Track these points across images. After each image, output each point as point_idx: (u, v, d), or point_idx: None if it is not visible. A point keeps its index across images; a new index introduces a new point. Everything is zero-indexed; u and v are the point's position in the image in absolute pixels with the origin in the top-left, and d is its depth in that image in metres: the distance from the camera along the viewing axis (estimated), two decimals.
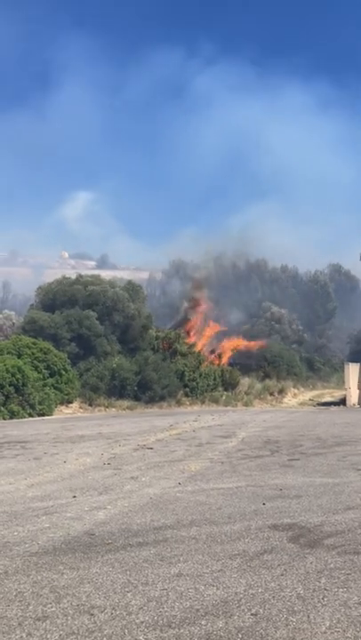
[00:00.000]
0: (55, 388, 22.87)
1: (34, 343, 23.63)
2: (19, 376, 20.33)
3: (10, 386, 19.91)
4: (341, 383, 32.78)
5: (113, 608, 3.51)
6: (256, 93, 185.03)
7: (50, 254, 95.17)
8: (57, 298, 28.23)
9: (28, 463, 9.20)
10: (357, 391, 29.26)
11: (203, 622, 3.31)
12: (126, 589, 3.81)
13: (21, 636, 3.17)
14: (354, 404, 28.73)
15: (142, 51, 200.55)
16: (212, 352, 34.39)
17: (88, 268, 70.04)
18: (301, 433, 13.72)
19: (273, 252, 53.44)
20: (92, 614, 3.43)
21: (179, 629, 3.22)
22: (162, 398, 26.80)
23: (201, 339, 34.78)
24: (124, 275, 48.11)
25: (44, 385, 22.19)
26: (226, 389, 30.86)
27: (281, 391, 34.27)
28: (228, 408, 27.32)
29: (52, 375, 23.08)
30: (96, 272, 38.60)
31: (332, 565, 4.27)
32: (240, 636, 3.15)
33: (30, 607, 3.54)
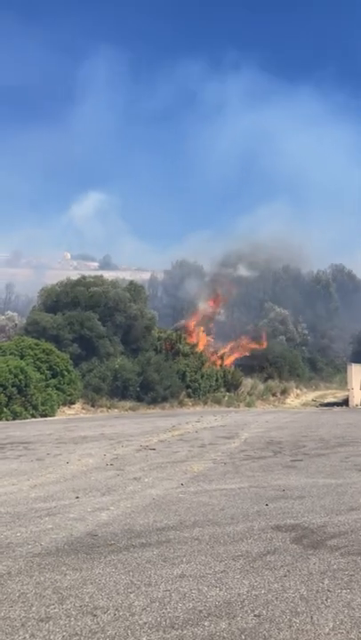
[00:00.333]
0: (58, 389, 22.88)
1: (36, 344, 23.65)
2: (21, 377, 20.35)
3: (12, 387, 19.93)
4: (344, 384, 32.75)
5: (116, 609, 3.51)
6: (269, 101, 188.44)
7: (52, 255, 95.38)
8: (59, 299, 28.26)
9: (30, 464, 9.21)
10: (360, 392, 29.22)
11: (206, 623, 3.30)
12: (129, 590, 3.81)
13: (25, 637, 3.17)
14: (357, 405, 28.69)
15: (162, 61, 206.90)
16: (215, 352, 34.38)
17: (90, 269, 70.07)
18: (304, 434, 13.70)
19: (276, 253, 53.47)
20: (95, 615, 3.43)
21: (182, 630, 3.22)
22: (164, 399, 26.80)
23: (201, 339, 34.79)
24: (126, 275, 48.17)
25: (47, 386, 22.20)
26: (228, 390, 30.84)
27: (284, 392, 34.25)
28: (231, 409, 27.30)
29: (54, 376, 23.10)
30: (99, 273, 38.66)
31: (335, 566, 4.26)
32: (243, 637, 3.15)
33: (33, 608, 3.54)
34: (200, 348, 32.55)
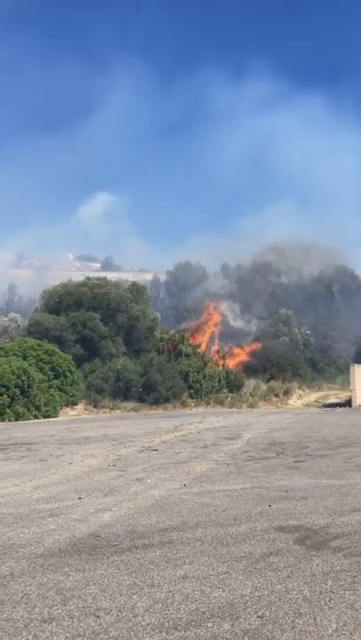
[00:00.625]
0: (60, 390, 22.91)
1: (39, 345, 23.68)
2: (24, 378, 20.38)
3: (15, 387, 19.96)
4: (347, 384, 32.69)
5: (119, 610, 3.51)
6: (279, 106, 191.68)
7: (55, 256, 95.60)
8: (62, 300, 28.29)
9: (33, 465, 9.21)
10: None
11: (209, 625, 3.30)
12: (132, 591, 3.81)
13: (28, 638, 3.17)
14: (359, 406, 28.63)
15: (179, 71, 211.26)
16: (218, 352, 34.36)
17: (93, 270, 70.18)
18: (307, 434, 13.69)
19: (279, 254, 53.49)
20: (97, 616, 3.42)
21: (185, 632, 3.22)
22: (166, 400, 26.80)
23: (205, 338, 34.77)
24: (128, 276, 48.20)
25: (50, 387, 22.23)
26: (231, 391, 30.83)
27: (286, 393, 34.21)
28: (233, 409, 27.28)
29: (57, 377, 23.13)
30: (101, 274, 38.70)
31: (338, 568, 4.25)
32: (246, 638, 3.14)
33: (36, 609, 3.54)
34: (203, 348, 32.54)
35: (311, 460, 9.40)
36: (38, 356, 22.95)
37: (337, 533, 5.12)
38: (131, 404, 25.43)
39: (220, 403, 28.88)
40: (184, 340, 30.71)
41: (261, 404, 30.69)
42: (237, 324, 42.40)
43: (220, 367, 32.34)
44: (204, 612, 3.46)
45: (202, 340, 34.48)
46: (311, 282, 51.97)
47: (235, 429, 15.11)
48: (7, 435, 14.46)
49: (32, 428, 16.31)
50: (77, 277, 31.67)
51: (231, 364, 34.13)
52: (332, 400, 33.73)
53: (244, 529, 5.25)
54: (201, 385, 28.90)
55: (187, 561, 4.40)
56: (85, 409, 24.27)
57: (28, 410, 20.35)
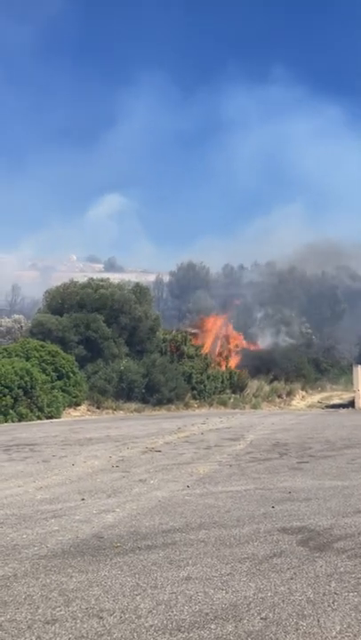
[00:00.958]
0: (63, 391, 22.91)
1: (42, 346, 23.70)
2: (27, 378, 20.40)
3: (18, 388, 19.98)
4: (350, 385, 32.60)
5: (122, 611, 3.50)
6: (291, 113, 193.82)
7: (59, 257, 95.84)
8: (65, 301, 28.32)
9: (36, 466, 9.22)
10: None
11: (212, 626, 3.29)
12: (135, 593, 3.80)
13: (31, 639, 3.17)
14: None
15: (191, 81, 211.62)
16: (220, 354, 34.33)
17: (96, 271, 70.30)
18: (310, 435, 13.66)
19: (282, 254, 53.52)
20: (101, 618, 3.42)
21: (188, 633, 3.21)
22: (170, 401, 26.78)
23: (208, 336, 34.70)
24: (131, 277, 48.25)
25: (53, 387, 22.24)
26: (234, 392, 30.79)
27: (289, 393, 34.14)
28: (237, 410, 27.25)
29: (59, 378, 23.14)
30: (105, 275, 38.75)
31: (342, 569, 4.24)
32: (250, 639, 3.14)
33: (39, 610, 3.54)
34: (206, 350, 32.51)
35: (315, 462, 9.37)
36: (41, 356, 22.96)
37: (341, 535, 5.11)
38: (134, 405, 25.42)
39: (224, 404, 28.84)
40: (187, 340, 30.68)
41: (264, 405, 30.63)
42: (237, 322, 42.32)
43: (224, 368, 32.32)
44: (207, 614, 3.45)
45: (205, 339, 34.39)
46: (316, 282, 51.93)
47: (238, 430, 15.09)
48: (10, 435, 14.48)
49: (35, 429, 16.33)
50: (81, 278, 31.69)
51: (231, 362, 34.08)
52: (336, 401, 33.64)
53: (247, 530, 5.25)
54: (204, 386, 28.87)
55: (190, 562, 4.39)
56: (88, 410, 24.27)
57: (31, 411, 20.36)
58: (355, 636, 3.19)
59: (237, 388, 31.15)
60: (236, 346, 36.59)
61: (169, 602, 3.64)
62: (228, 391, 30.42)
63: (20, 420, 19.62)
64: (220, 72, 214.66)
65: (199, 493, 6.86)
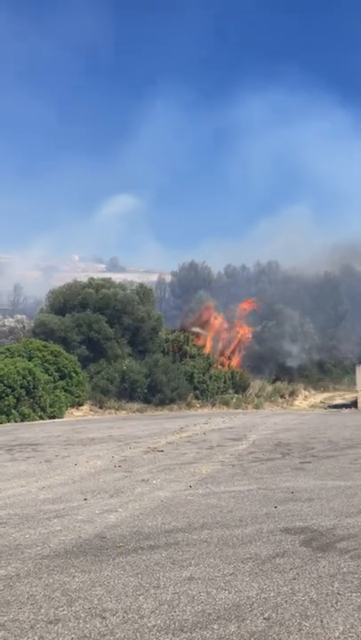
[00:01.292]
0: (66, 391, 22.94)
1: (44, 346, 23.73)
2: (30, 378, 20.42)
3: (21, 388, 20.00)
4: (353, 385, 32.57)
5: (125, 611, 3.50)
6: (301, 116, 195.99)
7: (61, 257, 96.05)
8: (67, 301, 28.35)
9: (39, 466, 9.23)
10: None
11: (215, 626, 3.29)
12: (138, 593, 3.80)
13: (34, 639, 3.17)
14: None
15: (208, 90, 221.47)
16: (222, 354, 34.28)
17: (98, 271, 70.36)
18: (313, 435, 13.64)
19: (285, 254, 53.50)
20: (103, 618, 3.42)
21: (191, 633, 3.21)
22: (172, 401, 26.79)
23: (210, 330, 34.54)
24: (133, 277, 48.28)
25: (55, 387, 22.26)
26: (236, 392, 30.77)
27: (292, 393, 34.12)
28: (239, 410, 27.24)
29: (62, 378, 23.16)
30: (107, 275, 38.75)
31: (345, 569, 4.23)
32: None
33: (42, 610, 3.54)
34: (207, 350, 32.47)
35: (317, 462, 9.36)
36: (44, 356, 22.99)
37: (344, 535, 5.10)
38: (136, 405, 25.43)
39: (226, 404, 28.84)
40: (189, 340, 30.68)
41: (267, 405, 30.62)
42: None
43: (226, 368, 32.31)
44: (210, 614, 3.45)
45: (208, 335, 34.28)
46: (319, 282, 51.85)
47: (240, 430, 15.08)
48: (13, 435, 14.50)
49: (38, 429, 16.35)
50: (83, 279, 31.73)
51: (234, 361, 34.00)
52: (338, 401, 33.60)
53: (250, 530, 5.24)
54: (206, 386, 28.88)
55: (193, 562, 4.39)
56: (91, 410, 24.29)
57: (34, 411, 20.39)
58: (358, 636, 3.18)
59: (240, 387, 31.13)
60: (243, 336, 36.38)
61: (172, 602, 3.64)
62: (230, 391, 30.41)
63: (22, 420, 19.65)
64: (230, 78, 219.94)
65: (202, 493, 6.86)
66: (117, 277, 37.91)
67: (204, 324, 34.82)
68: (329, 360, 44.19)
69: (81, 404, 24.04)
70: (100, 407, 24.63)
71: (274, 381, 34.60)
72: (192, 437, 13.29)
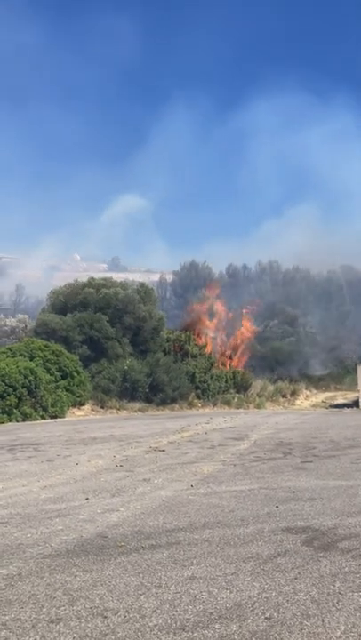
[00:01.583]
0: (67, 391, 22.95)
1: (46, 346, 23.74)
2: (31, 378, 20.44)
3: (22, 388, 20.02)
4: (354, 385, 32.54)
5: (126, 611, 3.51)
6: (307, 120, 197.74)
7: (62, 257, 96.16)
8: (68, 301, 28.36)
9: (40, 465, 9.24)
10: None
11: (216, 626, 3.29)
12: (139, 592, 3.81)
13: (35, 639, 3.18)
14: None
15: (230, 103, 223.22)
16: (223, 354, 34.27)
17: (99, 271, 70.40)
18: (314, 435, 13.64)
19: (286, 254, 53.50)
20: (105, 617, 3.43)
21: (192, 633, 3.21)
22: (173, 400, 26.79)
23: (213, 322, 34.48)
24: (135, 277, 48.29)
25: (57, 387, 22.28)
26: (238, 391, 30.76)
27: (293, 393, 34.08)
28: (240, 410, 27.24)
29: (64, 377, 23.17)
30: (108, 274, 38.76)
31: (346, 569, 4.23)
32: None
33: (44, 609, 3.55)
34: (208, 349, 32.46)
35: (319, 461, 9.36)
36: (45, 356, 23.00)
37: (345, 535, 5.10)
38: (138, 405, 25.44)
39: (227, 403, 28.83)
40: (190, 340, 30.67)
41: (268, 405, 30.59)
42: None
43: (228, 367, 32.30)
44: (211, 613, 3.45)
45: (208, 331, 34.22)
46: (321, 282, 51.85)
47: (242, 430, 15.08)
48: (15, 435, 14.51)
49: (39, 429, 16.36)
50: (84, 278, 31.73)
51: (236, 361, 33.96)
52: (340, 401, 33.56)
53: (251, 530, 5.24)
54: (208, 385, 28.87)
55: (194, 562, 4.39)
56: (92, 409, 24.30)
57: (36, 410, 20.40)
58: (360, 635, 3.18)
59: (241, 387, 31.12)
60: (245, 335, 36.33)
61: (173, 601, 3.64)
62: (231, 391, 30.40)
63: (24, 420, 19.66)
64: (238, 83, 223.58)
65: (203, 493, 6.86)
66: (119, 277, 37.91)
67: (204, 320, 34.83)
68: (331, 360, 44.17)
69: (82, 404, 24.05)
70: (102, 407, 24.64)
71: (275, 381, 34.58)
72: (193, 437, 13.29)
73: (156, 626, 3.29)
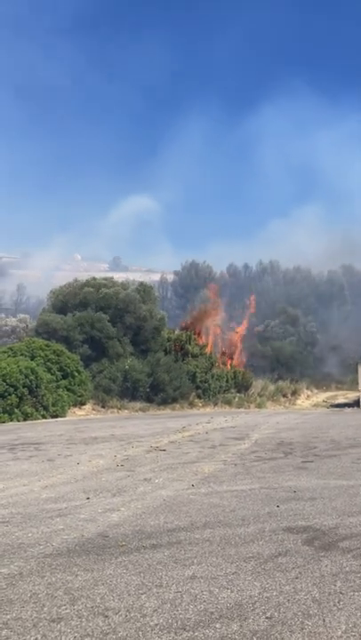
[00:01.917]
0: (68, 390, 22.97)
1: (47, 345, 23.76)
2: (32, 378, 20.45)
3: (24, 387, 20.03)
4: (355, 384, 32.55)
5: (127, 610, 3.51)
6: (316, 122, 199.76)
7: (63, 257, 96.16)
8: (69, 300, 28.38)
9: (41, 465, 9.24)
10: None
11: (217, 625, 3.29)
12: (140, 591, 3.81)
13: (36, 638, 3.18)
14: None
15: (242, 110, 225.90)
16: (224, 354, 34.28)
17: (100, 271, 70.41)
18: (315, 435, 13.63)
19: (286, 253, 53.47)
20: (106, 616, 3.43)
21: (193, 632, 3.21)
22: (174, 400, 26.81)
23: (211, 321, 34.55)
24: (135, 277, 48.29)
25: (58, 387, 22.30)
26: (239, 391, 30.78)
27: (294, 393, 34.12)
28: (241, 410, 27.24)
29: (64, 377, 23.19)
30: (109, 274, 38.77)
31: (347, 569, 4.23)
32: (255, 639, 3.13)
33: (45, 609, 3.55)
34: (209, 349, 32.48)
35: (320, 461, 9.36)
36: (46, 356, 23.02)
37: (346, 534, 5.09)
38: (138, 404, 25.46)
39: (228, 403, 28.85)
40: (191, 340, 30.68)
41: (269, 405, 30.62)
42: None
43: (228, 367, 32.31)
44: (212, 613, 3.46)
45: (209, 332, 34.26)
46: (322, 282, 51.84)
47: (243, 429, 15.08)
48: (16, 434, 14.52)
49: (40, 428, 16.37)
50: (85, 278, 31.76)
51: (235, 360, 33.98)
52: (341, 400, 33.58)
53: (252, 529, 5.24)
54: (209, 385, 28.88)
55: (195, 561, 4.39)
56: (93, 409, 24.32)
57: (37, 410, 20.43)
58: (360, 635, 3.18)
59: (242, 387, 31.14)
60: (239, 332, 36.43)
61: (174, 601, 3.64)
62: (232, 390, 30.41)
63: (25, 419, 19.68)
64: (248, 89, 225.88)
65: (204, 492, 6.86)
66: (120, 277, 37.95)
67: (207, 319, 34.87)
68: (332, 359, 44.17)
69: (83, 404, 24.07)
70: (103, 406, 24.66)
71: (276, 380, 34.59)
72: (194, 436, 13.29)
73: (156, 625, 3.29)
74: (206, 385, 28.82)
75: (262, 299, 47.12)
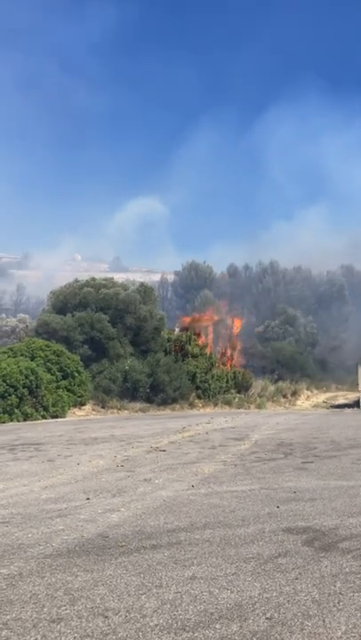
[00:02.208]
0: (68, 390, 22.96)
1: (47, 345, 23.76)
2: (32, 378, 20.45)
3: (23, 388, 20.04)
4: (355, 385, 32.55)
5: (127, 611, 3.51)
6: (323, 126, 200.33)
7: (63, 257, 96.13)
8: (69, 301, 28.38)
9: (41, 465, 9.24)
10: None
11: (217, 626, 3.29)
12: (140, 592, 3.81)
13: (36, 638, 3.18)
14: None
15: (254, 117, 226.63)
16: (223, 354, 34.30)
17: (100, 271, 70.39)
18: (315, 435, 13.64)
19: (288, 254, 53.49)
20: (106, 617, 3.43)
21: (193, 633, 3.21)
22: (174, 400, 26.80)
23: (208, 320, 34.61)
24: (136, 277, 48.29)
25: (58, 387, 22.29)
26: (239, 391, 30.78)
27: (294, 393, 34.11)
28: (241, 410, 27.24)
29: (65, 377, 23.19)
30: (109, 275, 38.79)
31: (347, 569, 4.23)
32: (255, 639, 3.13)
33: (45, 609, 3.55)
34: (208, 349, 32.48)
35: (320, 462, 9.36)
36: (46, 356, 23.02)
37: (346, 535, 5.09)
38: (138, 405, 25.45)
39: (228, 403, 28.84)
40: (191, 340, 30.68)
41: (269, 405, 30.61)
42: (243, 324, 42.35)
43: (228, 367, 32.31)
44: (212, 614, 3.46)
45: (209, 332, 34.32)
46: (322, 283, 51.84)
47: (243, 430, 15.08)
48: (16, 435, 14.52)
49: (40, 429, 16.37)
50: (85, 278, 31.75)
51: (235, 359, 34.00)
52: (341, 401, 33.58)
53: (252, 530, 5.24)
54: (209, 385, 28.88)
55: (195, 562, 4.39)
56: (93, 409, 24.32)
57: (37, 410, 20.42)
58: (360, 636, 3.18)
59: (242, 387, 31.14)
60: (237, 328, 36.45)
61: (174, 601, 3.64)
62: (232, 391, 30.41)
63: (25, 420, 19.68)
64: (256, 92, 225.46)
65: (204, 493, 6.87)
66: (120, 277, 37.96)
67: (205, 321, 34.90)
68: (332, 360, 44.17)
69: (83, 404, 24.06)
70: (103, 407, 24.66)
71: (276, 381, 34.59)
72: (194, 437, 13.29)
73: (156, 626, 3.29)
74: (206, 385, 28.82)
75: (262, 299, 47.13)
